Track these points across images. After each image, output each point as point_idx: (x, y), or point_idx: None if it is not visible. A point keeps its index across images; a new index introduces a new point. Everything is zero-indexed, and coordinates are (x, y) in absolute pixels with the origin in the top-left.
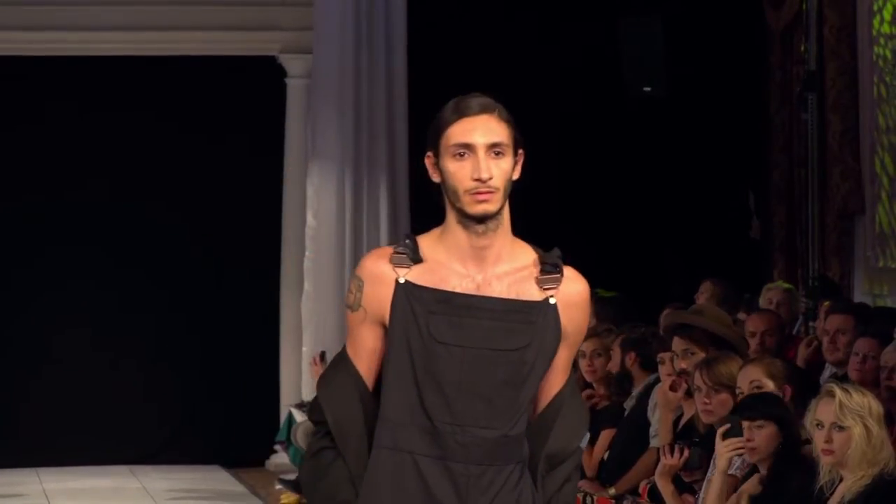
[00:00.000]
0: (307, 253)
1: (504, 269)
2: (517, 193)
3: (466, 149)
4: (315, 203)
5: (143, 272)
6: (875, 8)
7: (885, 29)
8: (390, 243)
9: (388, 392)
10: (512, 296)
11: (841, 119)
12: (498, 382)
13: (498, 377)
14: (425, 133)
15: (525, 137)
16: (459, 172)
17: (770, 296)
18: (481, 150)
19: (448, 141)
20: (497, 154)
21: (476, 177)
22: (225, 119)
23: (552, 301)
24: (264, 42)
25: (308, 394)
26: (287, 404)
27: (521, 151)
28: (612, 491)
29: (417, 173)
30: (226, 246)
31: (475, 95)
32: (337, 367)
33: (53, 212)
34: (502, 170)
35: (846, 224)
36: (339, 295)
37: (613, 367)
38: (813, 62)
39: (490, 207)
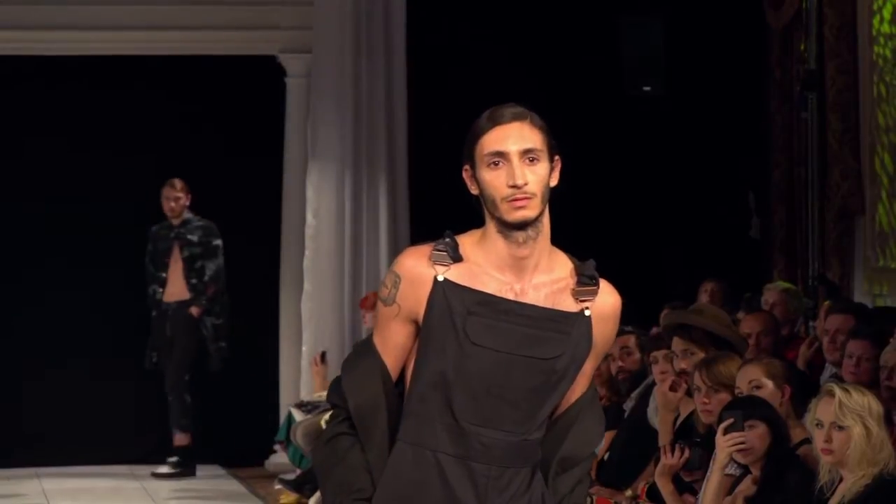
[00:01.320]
0: (307, 252)
1: (542, 279)
2: None
3: (501, 157)
4: (315, 202)
5: (143, 271)
6: (875, 7)
7: (885, 28)
8: (390, 243)
9: (416, 387)
10: (549, 305)
11: (841, 118)
12: (527, 389)
13: (528, 384)
14: (425, 132)
15: None
16: (495, 181)
17: (768, 296)
18: (515, 157)
19: (482, 150)
20: (532, 160)
21: (511, 183)
22: (225, 118)
23: (587, 313)
24: (264, 41)
25: (307, 393)
26: (286, 404)
27: (557, 158)
28: (628, 493)
29: (417, 173)
30: (225, 245)
31: (508, 105)
32: (362, 355)
33: (54, 212)
34: (538, 175)
35: (846, 223)
36: (339, 294)
37: (633, 365)
38: (813, 61)
39: (528, 213)
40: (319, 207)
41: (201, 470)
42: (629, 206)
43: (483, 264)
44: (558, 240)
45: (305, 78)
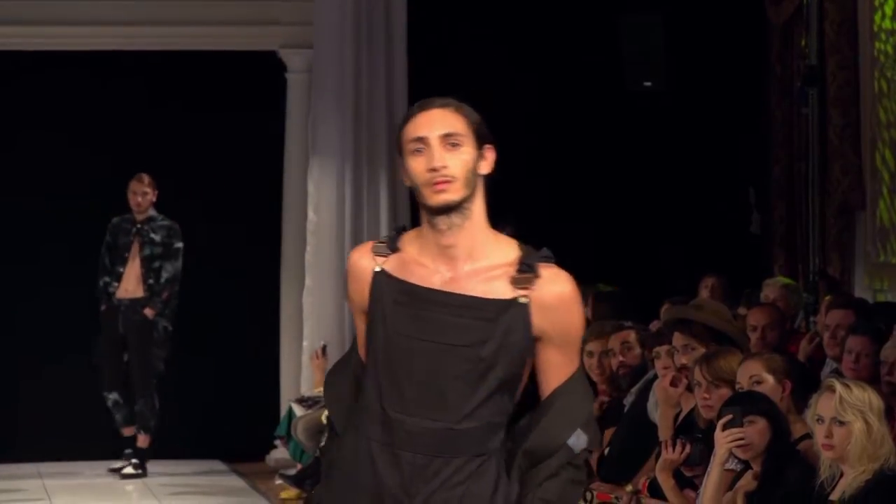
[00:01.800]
0: (308, 247)
1: (476, 266)
2: (518, 187)
3: (421, 142)
4: (316, 198)
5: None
6: (876, 3)
7: (887, 24)
8: None
9: (363, 378)
10: (478, 293)
11: (841, 114)
12: (451, 376)
13: (452, 372)
14: None
15: (525, 132)
16: (418, 167)
17: (767, 291)
18: (435, 141)
19: (406, 139)
20: (453, 145)
21: (430, 167)
22: (225, 114)
23: (522, 301)
24: (265, 37)
25: (308, 388)
26: (287, 399)
27: (488, 146)
28: (628, 488)
29: None
30: (226, 241)
31: (437, 97)
32: (345, 357)
33: (53, 208)
34: (460, 160)
35: (847, 219)
36: (339, 289)
37: (634, 360)
38: (813, 57)
39: (449, 197)
40: (320, 203)
41: (202, 465)
42: (630, 202)
43: (417, 255)
44: (558, 235)
45: (306, 73)
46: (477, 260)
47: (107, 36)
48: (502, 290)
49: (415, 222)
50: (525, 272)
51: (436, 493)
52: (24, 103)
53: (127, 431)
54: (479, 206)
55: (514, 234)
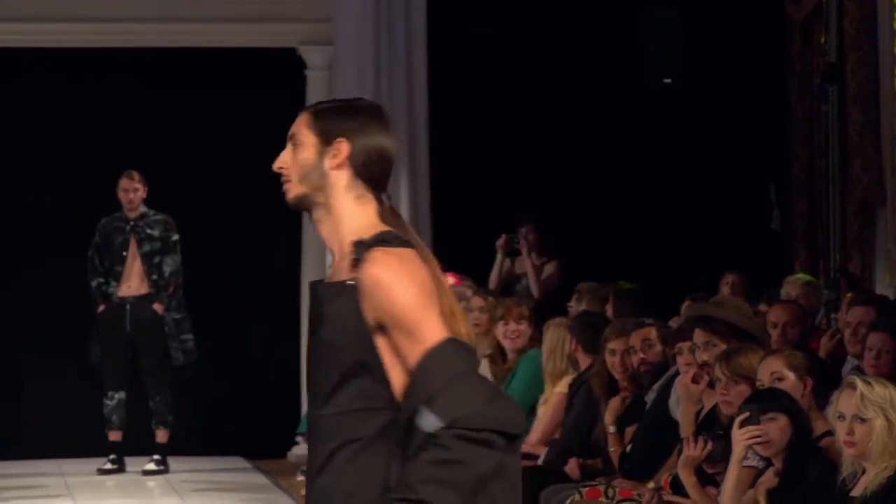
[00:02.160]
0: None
1: (346, 257)
2: (537, 185)
3: None
4: None
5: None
6: None
7: None
8: None
9: None
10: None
11: (861, 111)
12: (313, 363)
13: (312, 358)
14: (446, 124)
15: (546, 129)
16: None
17: (788, 288)
18: (287, 144)
19: None
20: (294, 145)
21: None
22: (245, 111)
23: (350, 283)
24: (284, 34)
25: None
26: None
27: (340, 139)
28: (650, 485)
29: (438, 166)
30: (246, 239)
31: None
32: None
33: (64, 203)
34: (294, 159)
35: (867, 215)
36: None
37: (655, 357)
38: (833, 54)
39: (287, 195)
40: None
41: (224, 461)
42: (650, 199)
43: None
44: (578, 231)
45: (326, 70)
46: (347, 251)
47: (125, 33)
48: (343, 275)
49: (435, 220)
50: (355, 256)
51: (318, 478)
52: (28, 102)
53: (113, 436)
54: (339, 200)
55: (535, 233)
